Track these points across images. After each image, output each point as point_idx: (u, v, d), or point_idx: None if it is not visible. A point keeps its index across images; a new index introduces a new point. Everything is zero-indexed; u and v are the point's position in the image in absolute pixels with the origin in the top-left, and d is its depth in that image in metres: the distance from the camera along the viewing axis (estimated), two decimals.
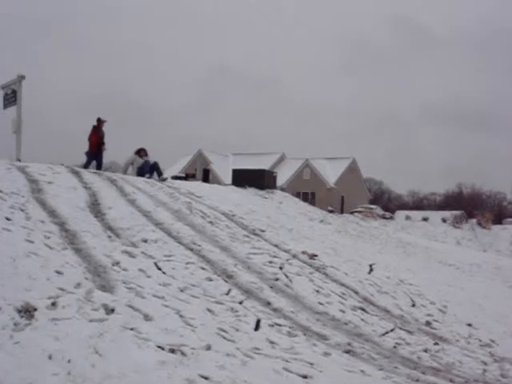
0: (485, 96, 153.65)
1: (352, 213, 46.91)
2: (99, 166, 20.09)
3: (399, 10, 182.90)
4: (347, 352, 7.42)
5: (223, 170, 61.46)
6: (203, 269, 9.16)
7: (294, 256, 11.76)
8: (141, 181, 16.85)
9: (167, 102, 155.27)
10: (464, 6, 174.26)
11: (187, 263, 9.14)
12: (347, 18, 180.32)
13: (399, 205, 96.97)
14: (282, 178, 60.07)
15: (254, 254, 11.04)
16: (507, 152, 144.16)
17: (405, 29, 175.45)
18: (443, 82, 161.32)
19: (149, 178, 17.78)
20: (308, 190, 61.98)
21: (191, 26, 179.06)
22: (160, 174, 18.53)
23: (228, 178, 29.22)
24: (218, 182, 46.84)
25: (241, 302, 8.12)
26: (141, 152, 18.91)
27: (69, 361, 4.67)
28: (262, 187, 24.67)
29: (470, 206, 75.71)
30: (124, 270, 7.90)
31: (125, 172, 18.89)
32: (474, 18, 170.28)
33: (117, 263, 8.07)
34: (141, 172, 18.42)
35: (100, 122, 20.30)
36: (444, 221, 58.52)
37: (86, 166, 19.62)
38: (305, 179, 65.27)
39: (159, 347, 5.53)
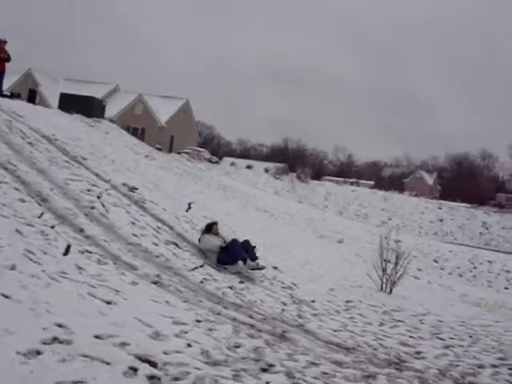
0: (318, 60, 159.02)
1: (180, 153, 47.02)
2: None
3: None
4: (155, 283, 7.59)
5: (53, 93, 58.40)
6: (16, 189, 8.83)
7: (114, 187, 11.67)
8: None
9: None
10: None
11: (0, 182, 8.76)
12: None
13: (227, 151, 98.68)
14: (114, 109, 58.55)
15: (73, 180, 10.82)
16: (332, 117, 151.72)
17: None
18: (280, 40, 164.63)
19: (254, 266, 10.31)
20: (139, 126, 60.91)
21: None
22: (254, 257, 10.48)
23: (57, 103, 27.94)
24: (46, 105, 44.73)
25: (53, 227, 7.97)
26: (213, 228, 10.90)
27: None
28: (89, 115, 23.89)
29: (293, 161, 78.93)
30: None
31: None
32: None
33: None
34: (227, 255, 10.28)
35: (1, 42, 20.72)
36: (266, 171, 60.48)
37: None
38: (137, 114, 64.04)
39: None
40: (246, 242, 10.60)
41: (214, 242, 10.38)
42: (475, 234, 45.73)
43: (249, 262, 10.13)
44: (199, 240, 10.65)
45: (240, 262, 10.12)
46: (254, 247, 10.67)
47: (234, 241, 10.51)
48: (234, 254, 10.19)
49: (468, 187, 79.00)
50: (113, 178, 12.40)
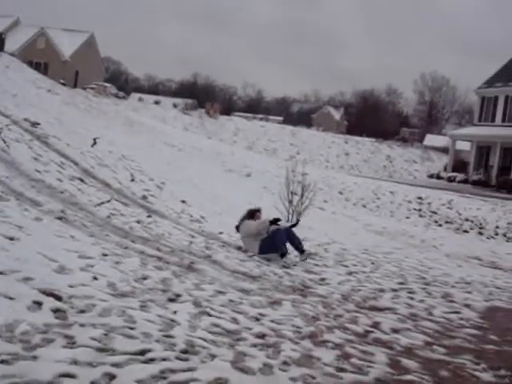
0: None
1: (85, 88, 45.70)
2: None
3: None
4: (60, 219, 7.48)
5: None
6: None
7: (15, 122, 11.30)
8: None
9: None
10: None
11: None
12: None
13: (135, 87, 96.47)
14: (15, 44, 55.97)
15: None
16: (241, 53, 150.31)
17: None
18: None
19: (305, 257, 8.78)
20: (41, 60, 58.50)
21: None
22: (301, 248, 8.87)
23: None
24: None
25: None
26: (255, 215, 9.18)
27: None
28: None
29: (202, 96, 78.22)
30: None
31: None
32: None
33: None
34: (272, 244, 8.72)
35: None
36: (175, 106, 59.73)
37: None
38: (39, 48, 61.34)
39: None
40: (290, 232, 8.92)
41: (255, 226, 8.81)
42: (379, 167, 47.09)
43: (300, 256, 8.71)
44: (237, 228, 9.13)
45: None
46: (297, 238, 8.94)
47: (278, 231, 8.79)
48: (279, 242, 8.68)
49: (373, 122, 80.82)
50: (14, 113, 11.99)
